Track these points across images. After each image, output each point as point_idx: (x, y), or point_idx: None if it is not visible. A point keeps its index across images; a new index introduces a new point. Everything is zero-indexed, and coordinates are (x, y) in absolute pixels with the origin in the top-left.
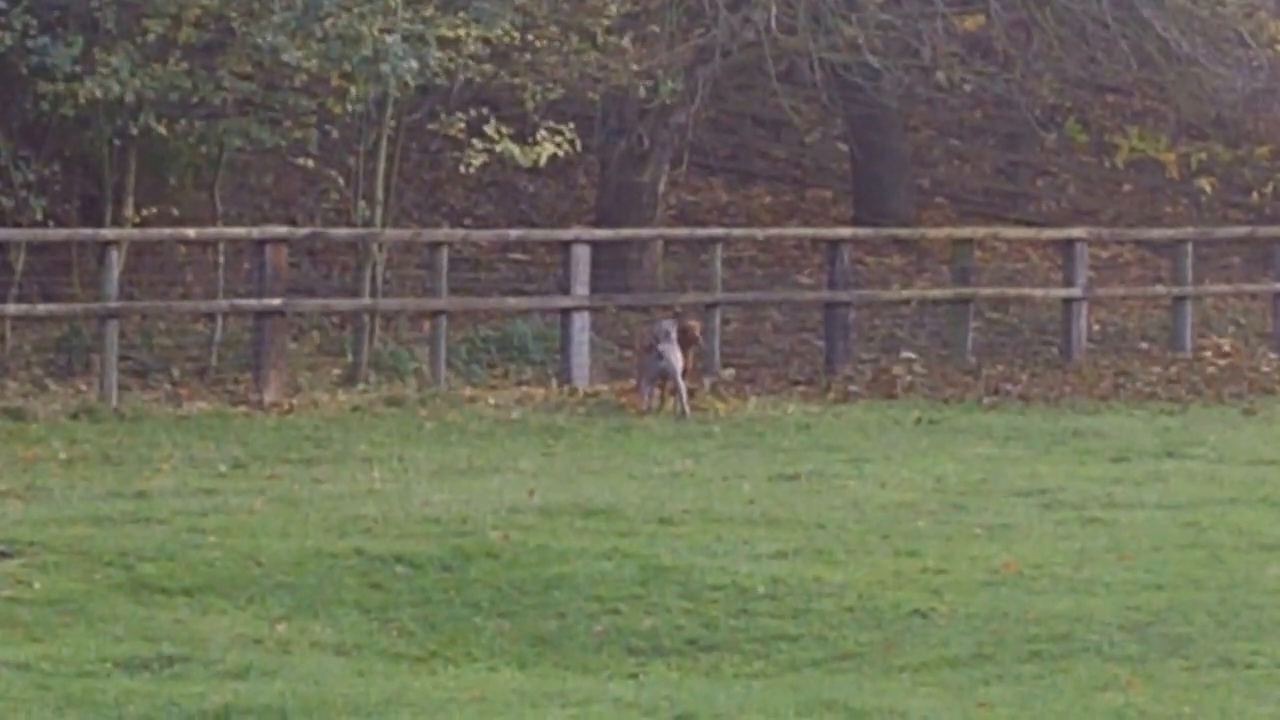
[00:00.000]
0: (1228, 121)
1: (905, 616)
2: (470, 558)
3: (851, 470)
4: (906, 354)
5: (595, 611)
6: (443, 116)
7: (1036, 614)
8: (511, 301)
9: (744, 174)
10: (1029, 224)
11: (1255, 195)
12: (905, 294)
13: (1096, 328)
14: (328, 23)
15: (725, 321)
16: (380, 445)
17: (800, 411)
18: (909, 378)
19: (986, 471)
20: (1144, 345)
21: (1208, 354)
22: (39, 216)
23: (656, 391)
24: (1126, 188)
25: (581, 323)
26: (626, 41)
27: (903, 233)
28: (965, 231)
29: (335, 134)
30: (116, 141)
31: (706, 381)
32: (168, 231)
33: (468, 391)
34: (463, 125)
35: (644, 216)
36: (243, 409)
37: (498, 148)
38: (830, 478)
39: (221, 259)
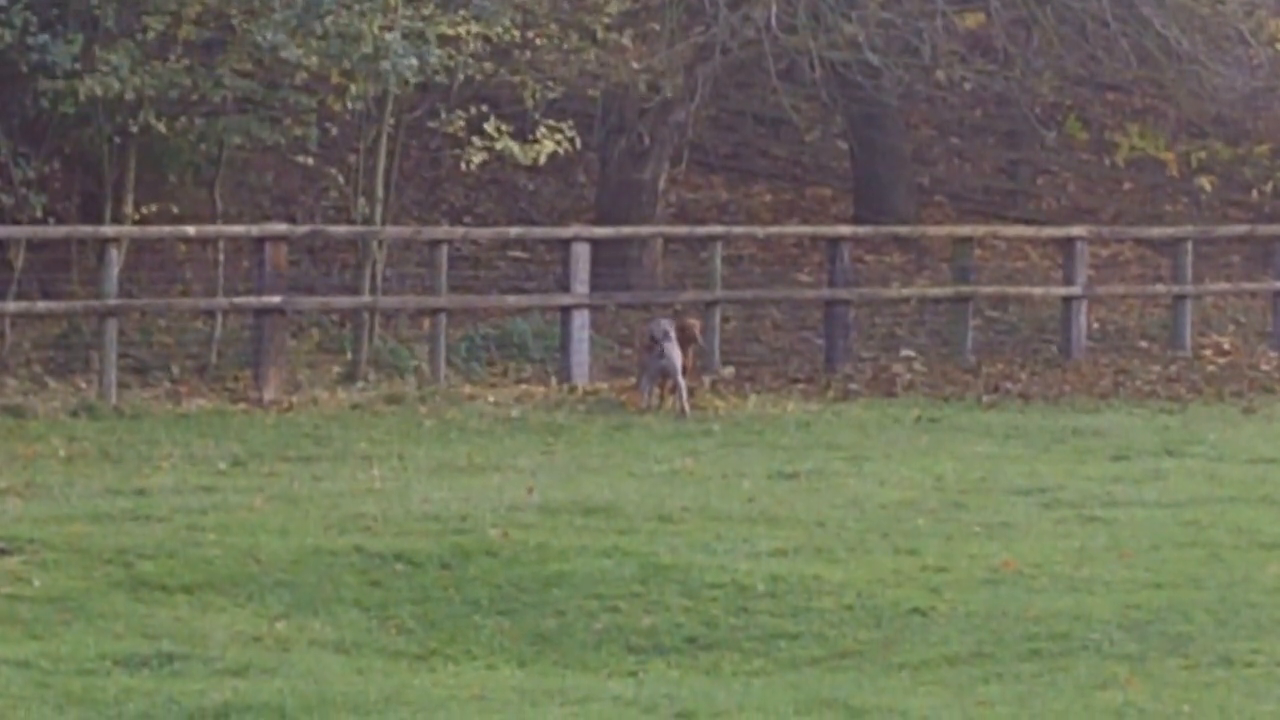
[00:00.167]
0: (1228, 120)
1: (905, 615)
2: (470, 555)
3: (851, 468)
4: (906, 352)
5: (595, 609)
6: (443, 114)
7: (1036, 612)
8: (511, 299)
9: (744, 172)
10: (1029, 222)
11: (1255, 194)
12: (905, 292)
13: (1096, 326)
14: (328, 20)
15: (725, 319)
16: (380, 443)
17: (800, 409)
18: (909, 376)
19: (986, 470)
20: (1144, 344)
21: (1207, 352)
22: (39, 214)
23: (656, 390)
24: (1126, 186)
25: (581, 321)
26: (626, 39)
27: (903, 231)
28: (965, 230)
29: (335, 131)
30: (116, 139)
31: (706, 379)
32: (167, 229)
33: (467, 389)
34: (463, 123)
35: (644, 214)
36: (242, 406)
37: (498, 145)
38: (830, 476)
39: (221, 256)
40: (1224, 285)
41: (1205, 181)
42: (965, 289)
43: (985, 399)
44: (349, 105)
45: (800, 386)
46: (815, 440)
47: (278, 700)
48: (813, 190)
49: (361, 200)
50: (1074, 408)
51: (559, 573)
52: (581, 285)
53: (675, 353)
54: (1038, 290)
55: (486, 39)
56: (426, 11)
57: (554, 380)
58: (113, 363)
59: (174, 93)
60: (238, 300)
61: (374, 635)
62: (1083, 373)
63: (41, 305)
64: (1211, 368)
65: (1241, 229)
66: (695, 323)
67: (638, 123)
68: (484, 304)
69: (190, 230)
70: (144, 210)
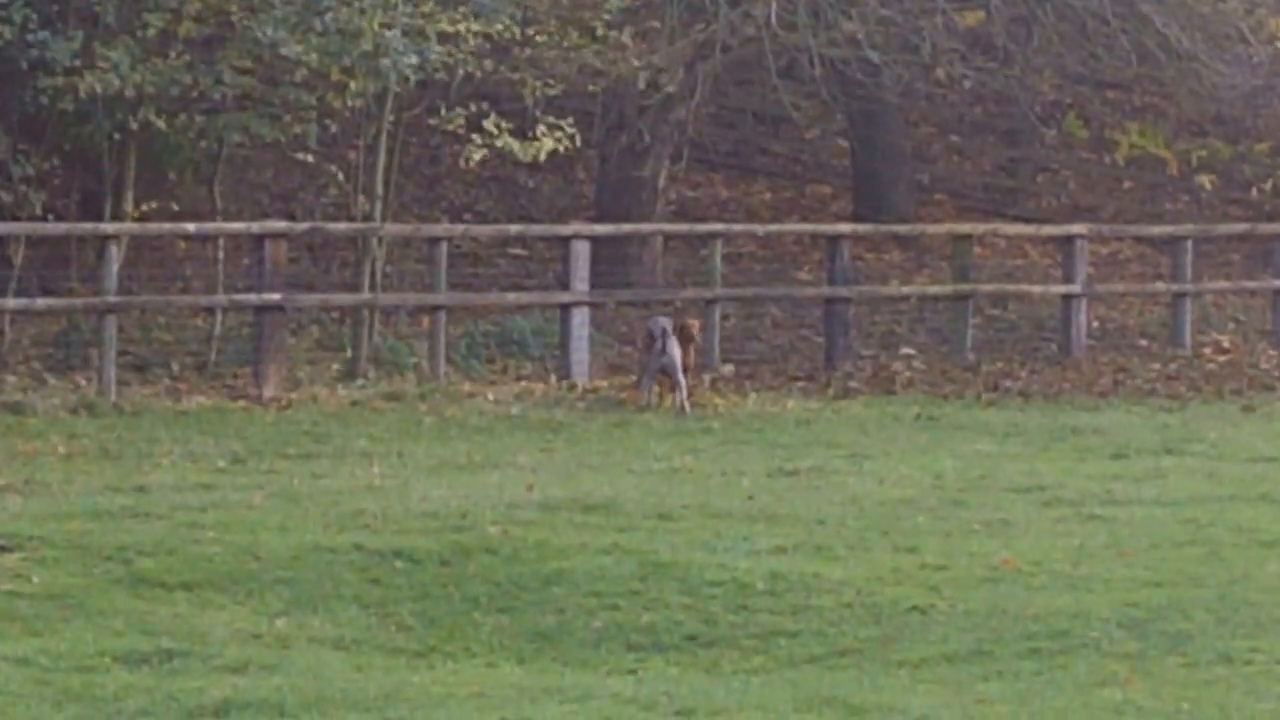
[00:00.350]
0: (1228, 118)
1: (904, 612)
2: (469, 553)
3: (851, 466)
4: (906, 350)
5: (594, 607)
6: (443, 111)
7: (1035, 610)
8: (511, 297)
9: (744, 169)
10: (1029, 220)
11: (1255, 192)
12: (905, 290)
13: (1096, 324)
14: (328, 17)
15: (725, 317)
16: (379, 440)
17: (800, 407)
18: (908, 374)
19: (985, 468)
20: (1143, 342)
21: (1207, 351)
22: (38, 211)
23: (656, 387)
24: (1126, 184)
25: (581, 318)
26: (626, 36)
27: (902, 229)
28: (965, 228)
29: (335, 129)
30: (116, 136)
31: (706, 377)
32: (167, 226)
33: (467, 387)
34: (463, 120)
35: (644, 212)
36: (242, 404)
37: (497, 143)
38: (829, 474)
39: (221, 254)
40: (1224, 283)
41: (1205, 180)
42: (965, 287)
43: (985, 397)
44: (349, 102)
45: (800, 384)
46: (815, 438)
47: (277, 697)
48: (812, 188)
49: (361, 197)
50: (1073, 406)
51: (558, 570)
52: (581, 283)
53: (675, 350)
54: (1037, 288)
55: (486, 36)
56: (426, 8)
57: (554, 378)
58: (112, 360)
59: (174, 90)
60: (237, 297)
61: (373, 632)
62: (1082, 371)
63: (41, 302)
64: (1211, 366)
65: (1241, 227)
66: (694, 323)
67: (638, 120)
68: (484, 301)
69: (190, 227)
70: (144, 207)
